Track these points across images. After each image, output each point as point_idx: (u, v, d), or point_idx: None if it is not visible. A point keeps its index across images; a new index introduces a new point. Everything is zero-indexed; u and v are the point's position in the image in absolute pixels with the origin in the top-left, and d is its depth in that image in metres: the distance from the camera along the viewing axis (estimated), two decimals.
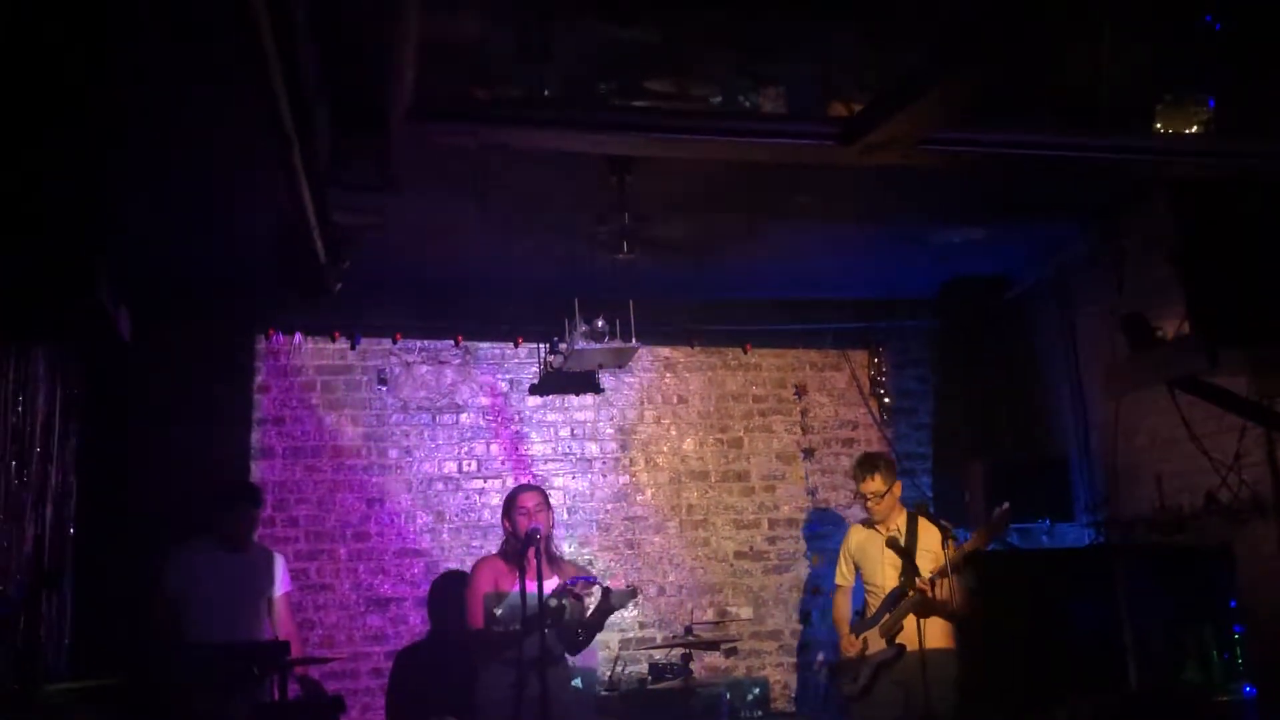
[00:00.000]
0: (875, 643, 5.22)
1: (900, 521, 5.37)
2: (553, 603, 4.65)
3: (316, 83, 2.94)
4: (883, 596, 5.27)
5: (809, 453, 6.71)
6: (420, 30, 2.75)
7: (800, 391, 6.77)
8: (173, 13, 2.90)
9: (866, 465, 5.46)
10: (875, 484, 5.37)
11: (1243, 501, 4.66)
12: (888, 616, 5.17)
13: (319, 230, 3.85)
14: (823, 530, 6.60)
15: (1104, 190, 4.96)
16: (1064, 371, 6.08)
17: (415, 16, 2.67)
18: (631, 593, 4.87)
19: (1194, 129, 3.62)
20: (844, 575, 5.63)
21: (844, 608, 5.60)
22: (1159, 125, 3.62)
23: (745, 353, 6.74)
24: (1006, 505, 4.95)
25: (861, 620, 5.42)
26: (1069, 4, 2.68)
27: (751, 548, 6.55)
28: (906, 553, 5.15)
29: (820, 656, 6.41)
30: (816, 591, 6.50)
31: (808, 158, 3.71)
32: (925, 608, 4.94)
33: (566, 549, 6.15)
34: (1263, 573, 4.62)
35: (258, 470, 5.97)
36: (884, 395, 6.82)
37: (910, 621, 4.97)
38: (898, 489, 5.44)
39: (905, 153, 3.34)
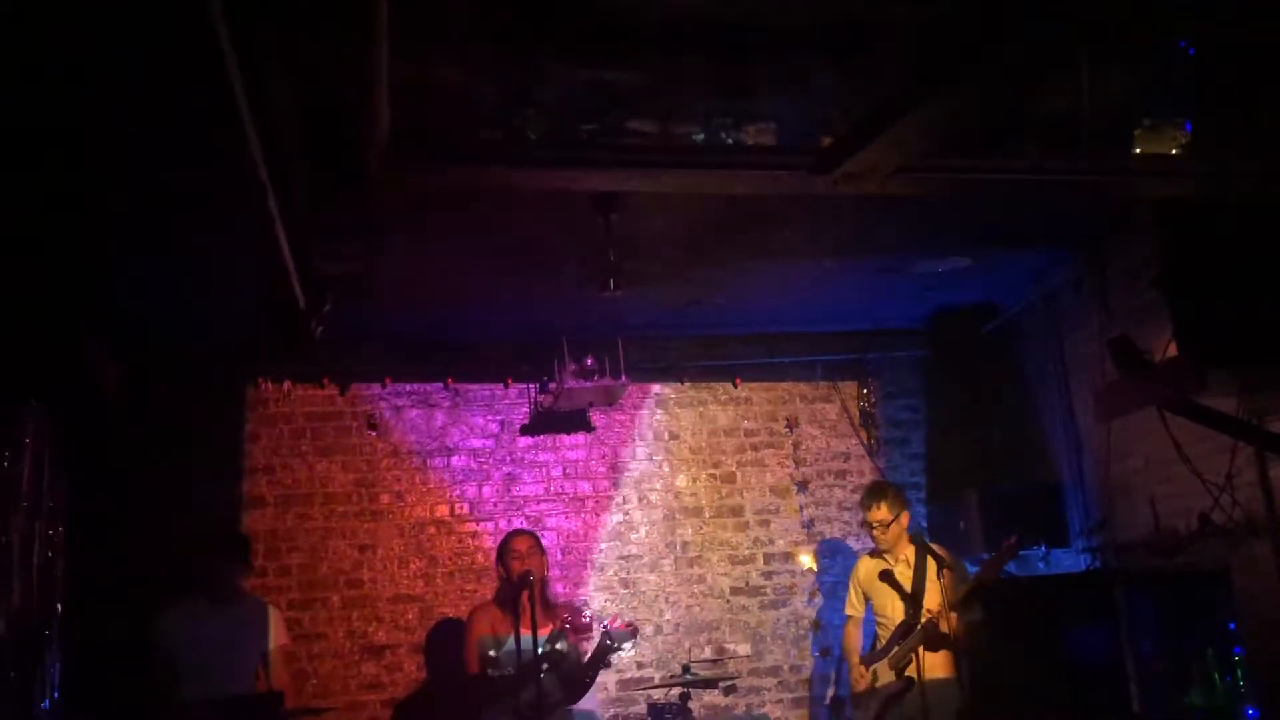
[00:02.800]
0: (885, 674, 5.18)
1: (909, 552, 5.35)
2: (548, 647, 4.60)
3: (292, 128, 2.95)
4: (891, 628, 5.25)
5: (802, 485, 6.69)
6: (395, 73, 2.76)
7: (791, 424, 6.76)
8: (148, 66, 2.91)
9: (875, 493, 5.46)
10: (881, 512, 5.36)
11: (1237, 522, 4.65)
12: (897, 649, 5.13)
13: (298, 277, 3.85)
14: (821, 564, 6.57)
15: (1087, 217, 4.99)
16: (1054, 396, 6.08)
17: (387, 59, 2.68)
18: (631, 632, 4.82)
19: (1172, 152, 3.65)
20: (854, 606, 5.61)
21: (855, 638, 5.58)
22: (1138, 149, 3.65)
23: (735, 387, 6.73)
24: (1014, 538, 4.94)
25: (871, 651, 5.40)
26: (1039, 34, 2.71)
27: (748, 583, 6.51)
28: (915, 584, 5.14)
29: (830, 692, 6.35)
30: (816, 626, 6.45)
31: (785, 188, 3.72)
32: (934, 640, 4.91)
33: (561, 590, 6.11)
34: (1260, 593, 4.61)
35: (249, 520, 5.93)
36: (875, 426, 6.81)
37: (922, 654, 4.94)
38: (905, 518, 5.43)
39: (882, 182, 3.36)
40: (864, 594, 5.54)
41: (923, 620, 5.00)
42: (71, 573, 5.17)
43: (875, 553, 5.53)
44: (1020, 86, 2.96)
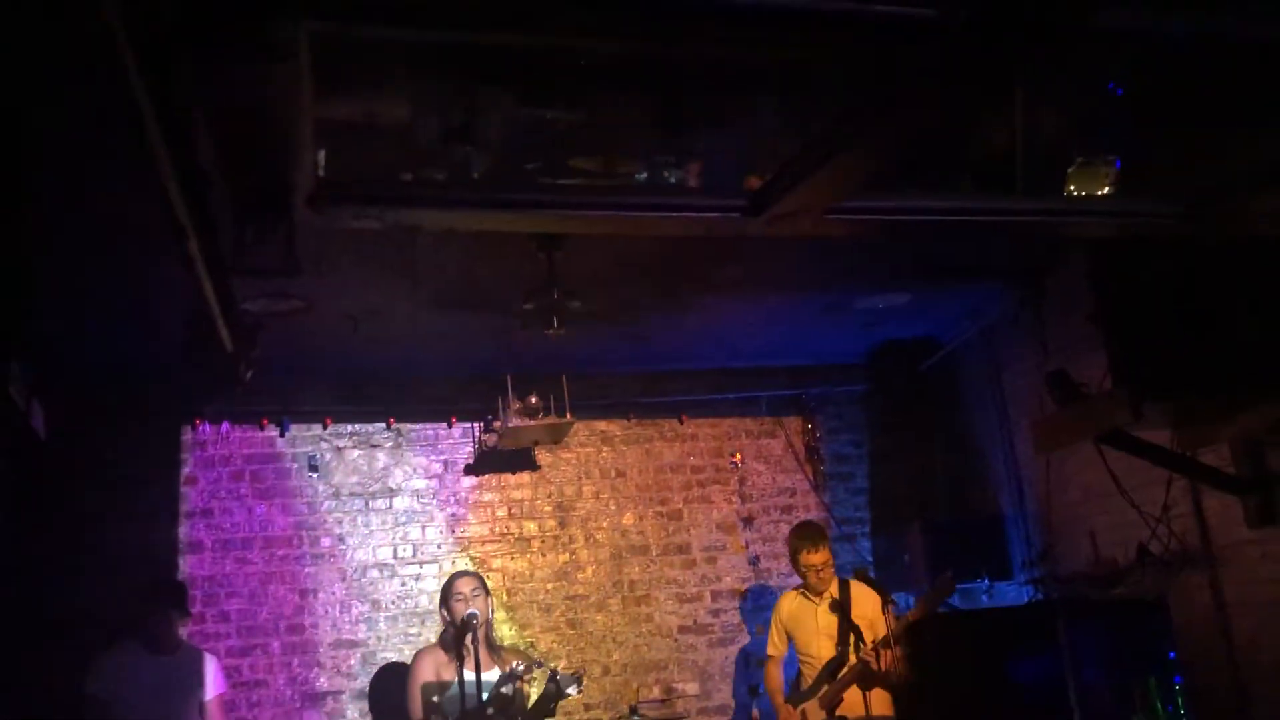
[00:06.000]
0: (814, 714, 5.14)
1: (834, 589, 5.30)
2: (494, 690, 4.53)
3: (213, 170, 2.91)
4: (819, 666, 5.19)
5: (748, 521, 6.69)
6: (332, 110, 2.74)
7: (737, 460, 6.76)
8: (67, 108, 2.87)
9: (813, 537, 5.34)
10: (820, 555, 5.27)
11: (1173, 553, 4.73)
12: (827, 688, 5.10)
13: (223, 319, 3.79)
14: (766, 601, 6.56)
15: (1023, 252, 5.09)
16: (995, 430, 6.17)
17: (311, 100, 2.66)
18: (577, 677, 4.75)
19: (1104, 190, 3.74)
20: (776, 645, 5.52)
21: (777, 678, 5.50)
22: (1071, 187, 3.73)
23: (681, 423, 6.74)
24: (949, 573, 4.94)
25: (796, 691, 5.33)
26: (967, 80, 2.76)
27: (695, 621, 6.48)
28: (842, 622, 5.10)
29: None
30: (762, 664, 6.43)
31: (719, 230, 3.74)
32: (867, 679, 4.88)
33: (507, 632, 6.04)
34: (1196, 622, 4.68)
35: (186, 565, 5.80)
36: (820, 461, 6.84)
37: (853, 693, 4.92)
38: (832, 559, 5.39)
39: (813, 222, 3.38)
40: (787, 633, 5.47)
41: (852, 659, 4.97)
42: (1, 620, 5.02)
43: (798, 591, 5.45)
44: (949, 129, 3.02)
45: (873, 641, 4.91)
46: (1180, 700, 4.79)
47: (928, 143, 3.03)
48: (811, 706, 5.16)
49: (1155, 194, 3.47)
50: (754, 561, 6.63)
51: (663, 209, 3.42)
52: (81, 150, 3.16)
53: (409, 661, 5.24)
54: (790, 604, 5.48)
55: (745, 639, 6.48)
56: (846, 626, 5.09)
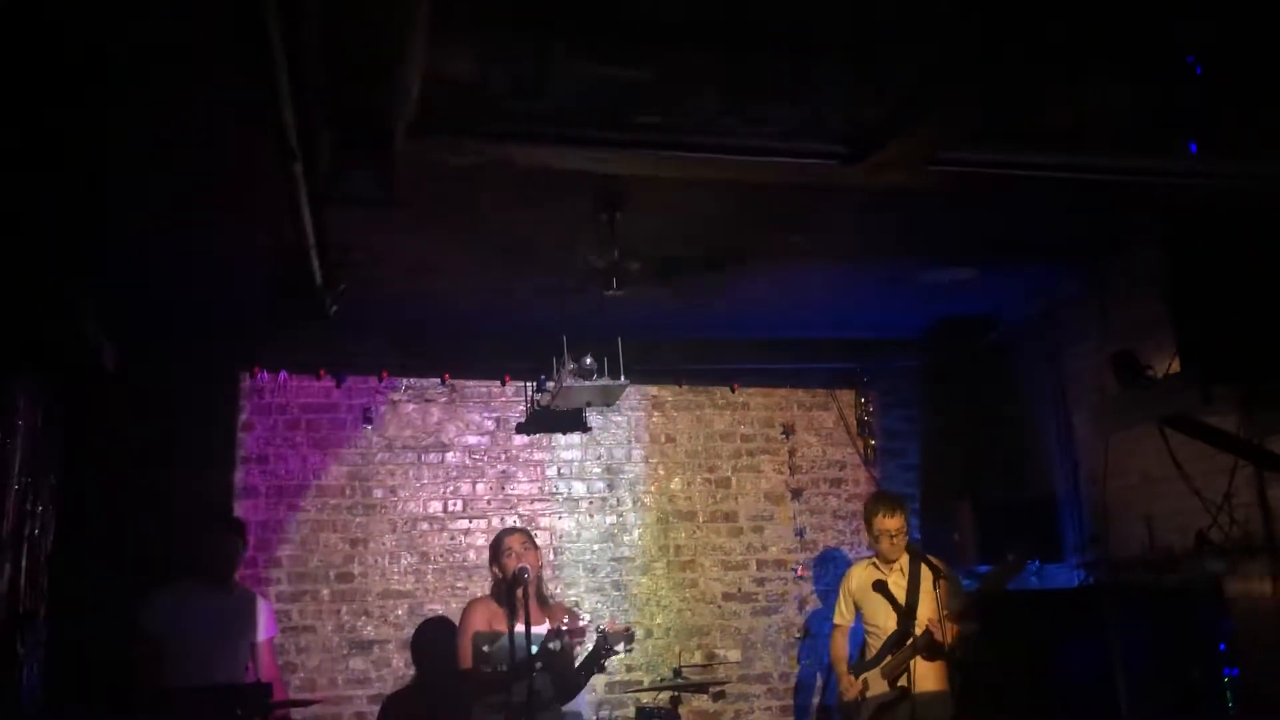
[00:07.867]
0: (875, 684, 5.14)
1: (904, 562, 5.30)
2: (544, 644, 4.56)
3: (320, 95, 2.91)
4: (883, 637, 5.21)
5: (797, 493, 6.67)
6: (427, 44, 2.72)
7: (788, 431, 6.74)
8: (171, 33, 2.87)
9: (893, 502, 5.41)
10: (897, 520, 5.31)
11: (1233, 541, 4.64)
12: (890, 659, 5.09)
13: (317, 250, 3.78)
14: (815, 572, 6.55)
15: (1095, 228, 4.98)
16: (1051, 410, 6.08)
17: (425, 27, 2.64)
18: (627, 634, 4.76)
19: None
20: (843, 614, 5.54)
21: (842, 647, 5.51)
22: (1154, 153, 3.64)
23: (733, 392, 6.72)
24: (1017, 555, 4.91)
25: (861, 660, 5.34)
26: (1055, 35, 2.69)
27: (740, 589, 6.49)
28: (909, 594, 5.11)
29: (817, 700, 6.33)
30: (806, 634, 6.44)
31: (813, 178, 3.65)
32: (930, 651, 4.89)
33: (553, 590, 6.07)
34: (1254, 614, 4.60)
35: (240, 510, 5.90)
36: (871, 435, 6.80)
37: (914, 665, 4.92)
38: (906, 526, 5.42)
39: (912, 172, 3.31)
40: (855, 603, 5.48)
41: (918, 631, 4.97)
42: (60, 556, 5.14)
43: (869, 561, 5.49)
44: (1046, 80, 2.93)
45: (937, 616, 4.90)
46: (1229, 692, 4.72)
47: (1026, 93, 2.96)
48: (874, 676, 5.17)
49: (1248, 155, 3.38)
50: (800, 533, 6.61)
51: (759, 153, 3.34)
52: (163, 89, 3.17)
53: (455, 614, 5.30)
54: (860, 574, 5.49)
55: (789, 608, 6.49)
56: (913, 600, 5.09)
